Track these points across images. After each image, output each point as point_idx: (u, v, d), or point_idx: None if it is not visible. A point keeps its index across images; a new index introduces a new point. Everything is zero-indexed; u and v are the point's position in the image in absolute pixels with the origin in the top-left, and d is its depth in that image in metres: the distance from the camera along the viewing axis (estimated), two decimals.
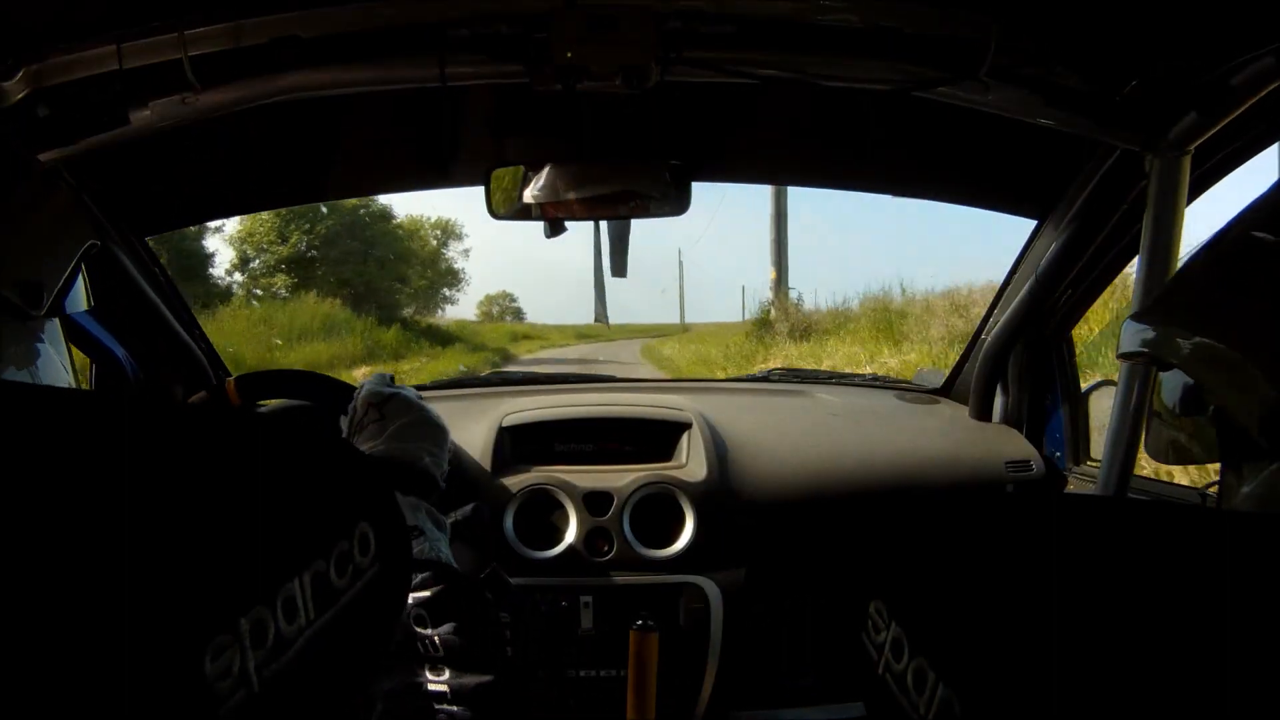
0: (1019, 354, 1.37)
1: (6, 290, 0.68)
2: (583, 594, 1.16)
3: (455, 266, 19.90)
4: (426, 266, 18.51)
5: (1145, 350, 0.47)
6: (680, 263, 26.72)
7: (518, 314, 28.64)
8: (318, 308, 11.66)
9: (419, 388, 1.58)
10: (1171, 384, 0.46)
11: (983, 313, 1.48)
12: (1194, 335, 0.43)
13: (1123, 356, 0.50)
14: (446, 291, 20.33)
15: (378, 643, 0.34)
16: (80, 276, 0.80)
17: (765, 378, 1.74)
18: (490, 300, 29.01)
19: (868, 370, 6.31)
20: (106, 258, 1.10)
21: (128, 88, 0.82)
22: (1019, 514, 0.34)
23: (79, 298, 0.81)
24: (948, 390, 1.57)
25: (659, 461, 1.26)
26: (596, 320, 1.27)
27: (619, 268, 1.22)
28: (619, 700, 1.12)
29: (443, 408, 1.40)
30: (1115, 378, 1.05)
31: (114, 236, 1.13)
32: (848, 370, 5.54)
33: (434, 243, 19.14)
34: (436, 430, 0.90)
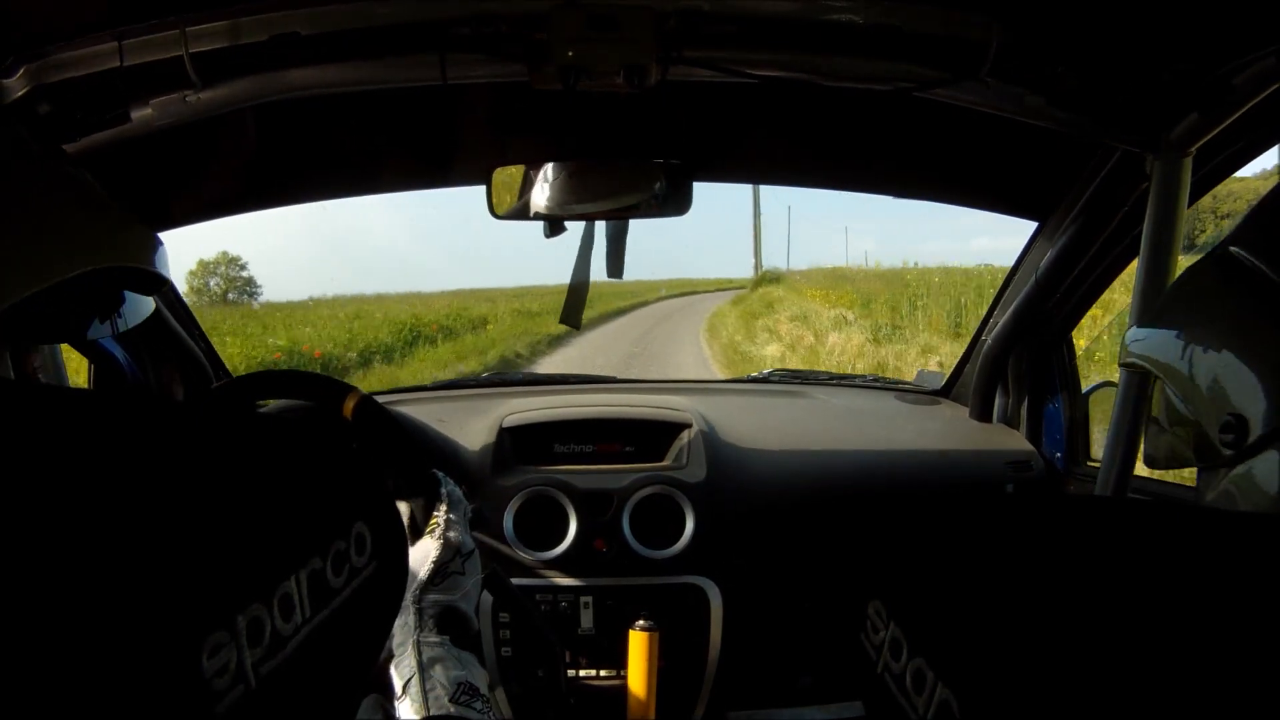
0: (1019, 355, 1.37)
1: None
2: (582, 594, 1.16)
3: None
4: None
5: (1138, 358, 0.47)
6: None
7: (248, 288, 19.84)
8: None
9: (417, 389, 1.58)
10: (1167, 390, 0.46)
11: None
12: (1181, 342, 0.43)
13: (1124, 365, 0.50)
14: None
15: (373, 641, 0.34)
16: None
17: (765, 379, 1.74)
18: (206, 269, 19.42)
19: None
20: None
21: (129, 85, 0.82)
22: (1018, 514, 0.34)
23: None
24: (948, 391, 1.57)
25: (658, 462, 1.26)
26: (564, 322, 1.25)
27: (615, 269, 1.22)
28: (619, 700, 1.12)
29: (443, 408, 1.41)
30: (1115, 379, 1.05)
31: None
32: None
33: None
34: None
